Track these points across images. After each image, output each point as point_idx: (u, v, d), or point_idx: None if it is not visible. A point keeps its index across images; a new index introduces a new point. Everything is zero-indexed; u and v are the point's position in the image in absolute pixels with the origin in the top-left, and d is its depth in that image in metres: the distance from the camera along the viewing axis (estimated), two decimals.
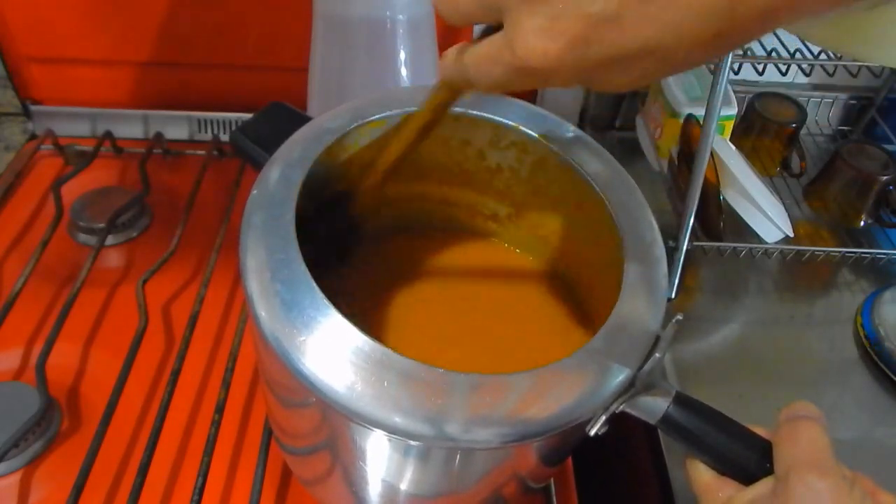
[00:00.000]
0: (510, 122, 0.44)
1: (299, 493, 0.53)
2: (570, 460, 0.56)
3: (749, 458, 0.34)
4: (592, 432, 0.37)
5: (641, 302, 0.37)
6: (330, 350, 0.32)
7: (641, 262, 0.39)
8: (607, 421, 0.36)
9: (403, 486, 0.39)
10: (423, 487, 0.40)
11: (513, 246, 0.52)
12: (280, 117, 0.44)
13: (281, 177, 0.38)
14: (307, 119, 0.43)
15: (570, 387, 0.33)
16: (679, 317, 0.36)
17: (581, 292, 0.48)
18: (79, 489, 0.49)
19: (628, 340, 0.35)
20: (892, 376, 0.63)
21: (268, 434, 0.54)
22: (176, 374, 0.57)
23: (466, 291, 0.48)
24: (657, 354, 0.35)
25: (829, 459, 0.32)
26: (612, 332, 0.35)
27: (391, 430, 0.31)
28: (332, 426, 0.36)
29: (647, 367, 0.34)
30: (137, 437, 0.56)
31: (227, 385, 0.57)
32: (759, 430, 0.36)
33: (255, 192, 0.38)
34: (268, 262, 0.34)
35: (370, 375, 0.31)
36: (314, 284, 0.33)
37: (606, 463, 0.68)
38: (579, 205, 0.44)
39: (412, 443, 0.33)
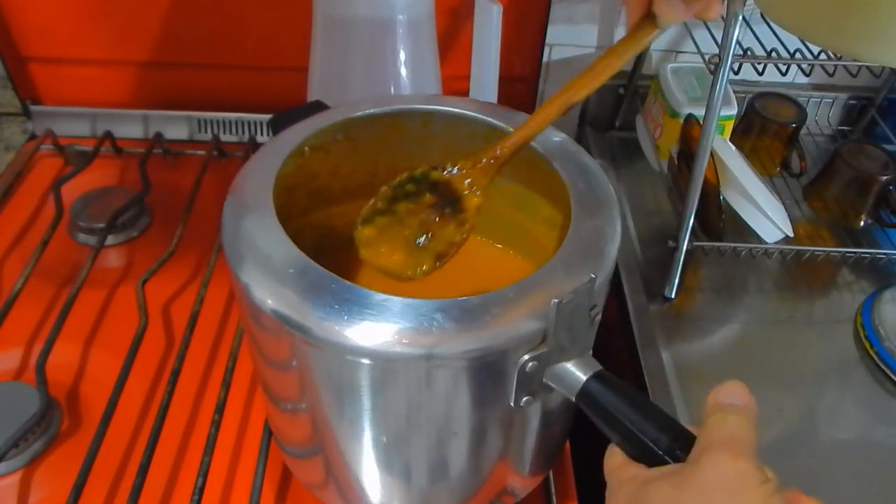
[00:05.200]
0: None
1: (299, 493, 0.53)
2: (569, 457, 0.56)
3: (659, 441, 0.32)
4: (512, 401, 0.36)
5: (568, 263, 0.37)
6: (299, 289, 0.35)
7: (582, 228, 0.39)
8: (528, 388, 0.36)
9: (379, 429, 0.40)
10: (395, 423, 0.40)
11: (480, 236, 0.53)
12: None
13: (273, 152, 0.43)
14: None
15: (484, 321, 0.34)
16: (593, 275, 0.35)
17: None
18: (79, 489, 0.49)
19: (543, 295, 0.35)
20: (892, 376, 0.62)
21: (268, 434, 0.54)
22: (176, 374, 0.57)
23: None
24: (559, 304, 0.33)
25: (747, 446, 0.29)
26: (527, 287, 0.36)
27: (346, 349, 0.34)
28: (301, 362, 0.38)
29: (554, 324, 0.33)
30: (137, 437, 0.56)
31: (227, 385, 0.57)
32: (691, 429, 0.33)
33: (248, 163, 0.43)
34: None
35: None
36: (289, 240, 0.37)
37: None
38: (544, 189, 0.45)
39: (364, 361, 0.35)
